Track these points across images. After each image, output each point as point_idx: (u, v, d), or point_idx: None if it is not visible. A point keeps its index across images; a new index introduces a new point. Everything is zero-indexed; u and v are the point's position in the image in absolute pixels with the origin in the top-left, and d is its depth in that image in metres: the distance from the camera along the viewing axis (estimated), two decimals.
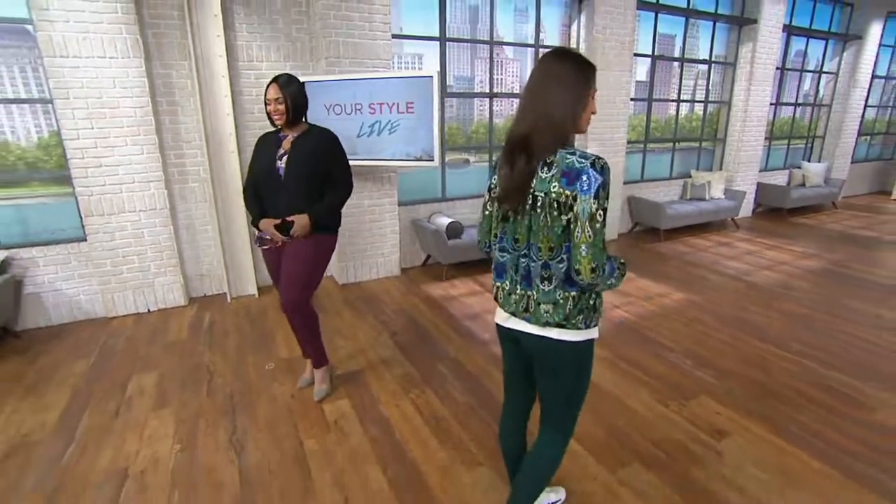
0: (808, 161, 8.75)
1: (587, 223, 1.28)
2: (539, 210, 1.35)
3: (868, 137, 9.79)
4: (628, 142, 6.24)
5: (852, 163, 9.17)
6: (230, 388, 2.96)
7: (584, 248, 1.29)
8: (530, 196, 1.37)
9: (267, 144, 2.54)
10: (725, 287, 4.63)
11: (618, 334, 3.62)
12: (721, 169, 7.51)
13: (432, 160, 3.90)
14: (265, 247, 2.50)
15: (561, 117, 1.34)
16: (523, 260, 1.44)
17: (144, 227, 3.95)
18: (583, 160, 1.30)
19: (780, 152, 8.60)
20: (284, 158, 2.45)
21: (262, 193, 2.53)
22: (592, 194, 1.28)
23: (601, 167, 1.30)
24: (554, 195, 1.32)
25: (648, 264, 5.34)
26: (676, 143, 7.15)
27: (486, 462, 2.30)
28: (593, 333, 1.46)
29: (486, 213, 1.57)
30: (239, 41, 4.04)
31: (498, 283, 1.54)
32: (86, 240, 3.84)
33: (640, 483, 2.17)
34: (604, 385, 2.92)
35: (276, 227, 2.46)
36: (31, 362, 3.32)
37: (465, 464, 2.29)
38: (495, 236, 1.53)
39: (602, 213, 1.29)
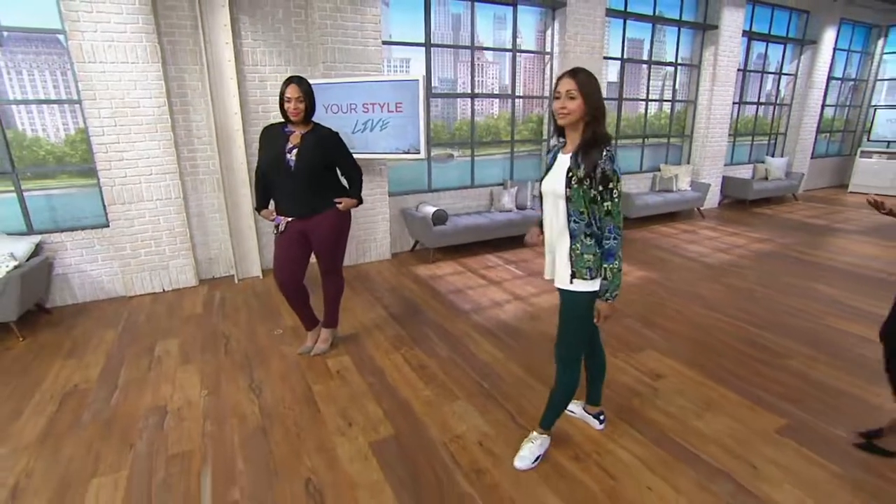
0: (772, 156, 9.37)
1: None
2: None
3: (828, 135, 10.46)
4: None
5: (812, 158, 9.81)
6: (245, 350, 3.44)
7: None
8: None
9: (272, 137, 2.88)
10: (682, 266, 5.19)
11: None
12: (688, 163, 8.09)
13: (419, 153, 4.40)
14: (279, 231, 3.01)
15: None
16: None
17: (160, 215, 4.40)
18: None
19: (746, 148, 9.22)
20: (294, 151, 2.81)
21: (270, 182, 2.95)
22: None
23: None
24: None
25: None
26: (646, 139, 7.72)
27: (463, 397, 2.81)
28: None
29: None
30: (245, 47, 4.50)
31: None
32: (108, 226, 4.28)
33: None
34: None
35: (290, 213, 2.97)
36: (65, 332, 3.76)
37: (445, 398, 2.80)
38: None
39: None
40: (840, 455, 2.31)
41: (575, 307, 2.02)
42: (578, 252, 1.92)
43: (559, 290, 2.05)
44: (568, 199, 1.88)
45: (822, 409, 2.68)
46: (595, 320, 2.00)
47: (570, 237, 1.92)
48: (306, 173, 2.84)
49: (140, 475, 2.24)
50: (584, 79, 1.80)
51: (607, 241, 1.87)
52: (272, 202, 3.05)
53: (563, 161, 1.93)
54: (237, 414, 2.69)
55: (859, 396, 2.80)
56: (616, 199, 1.82)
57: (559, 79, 1.85)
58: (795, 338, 3.52)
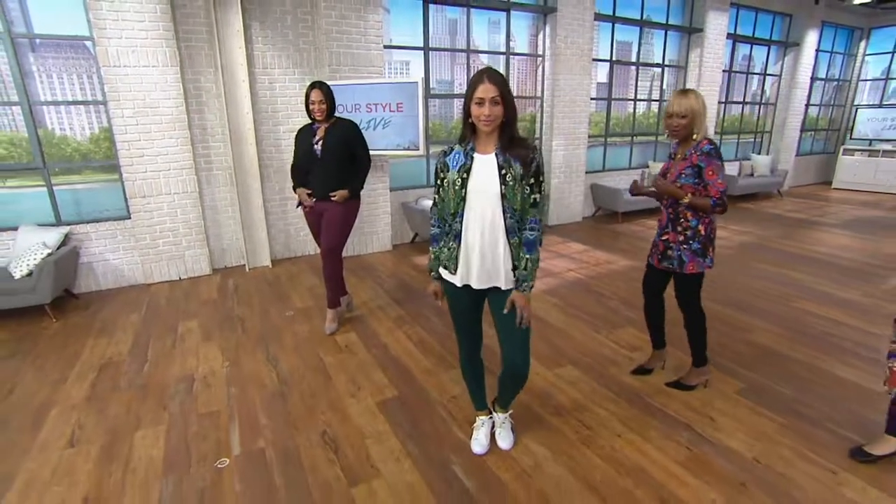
0: (758, 154, 9.73)
1: None
2: None
3: (812, 133, 10.83)
4: (590, 136, 7.15)
5: (797, 156, 10.17)
6: (260, 329, 3.77)
7: None
8: None
9: (304, 135, 3.40)
10: None
11: (568, 289, 4.50)
12: None
13: (418, 149, 4.74)
14: (301, 207, 3.55)
15: None
16: None
17: (178, 208, 4.73)
18: None
19: (733, 146, 9.58)
20: (320, 143, 3.31)
21: (303, 170, 3.42)
22: None
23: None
24: None
25: (604, 240, 6.24)
26: (635, 138, 8.07)
27: (458, 366, 3.07)
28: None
29: None
30: (256, 52, 4.83)
31: None
32: (130, 218, 4.61)
33: (570, 376, 3.02)
34: (551, 321, 3.79)
35: (315, 195, 3.43)
36: (94, 316, 4.09)
37: (443, 367, 3.14)
38: None
39: None
40: (786, 410, 2.65)
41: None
42: (517, 245, 1.94)
43: (501, 292, 2.01)
44: (503, 197, 1.87)
45: (778, 374, 3.02)
46: (505, 311, 1.97)
47: (507, 233, 1.91)
48: (331, 159, 3.32)
49: (177, 429, 2.57)
50: (502, 82, 1.79)
51: (531, 233, 1.92)
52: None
53: (487, 161, 1.89)
54: (257, 381, 3.03)
55: (812, 364, 3.14)
56: (543, 193, 1.93)
57: (477, 83, 1.78)
58: (762, 316, 3.86)
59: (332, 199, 3.36)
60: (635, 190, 2.77)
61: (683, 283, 2.70)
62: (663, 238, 2.66)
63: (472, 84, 1.80)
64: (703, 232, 2.53)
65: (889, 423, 2.20)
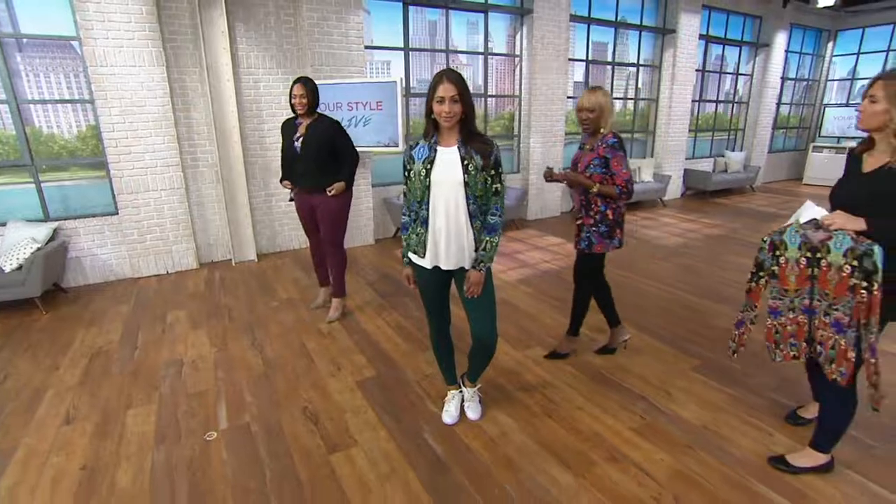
0: (732, 151, 10.05)
1: None
2: None
3: (784, 131, 11.21)
4: (567, 133, 7.38)
5: (769, 153, 10.53)
6: (246, 318, 3.92)
7: None
8: None
9: (287, 129, 3.55)
10: (638, 248, 5.77)
11: (541, 278, 4.72)
12: (651, 156, 8.72)
13: (397, 146, 4.93)
14: (292, 201, 3.74)
15: None
16: None
17: (165, 204, 4.85)
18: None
19: (707, 143, 9.89)
20: (300, 140, 3.45)
21: (288, 163, 3.57)
22: None
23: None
24: None
25: None
26: None
27: (433, 349, 3.33)
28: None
29: None
30: (240, 52, 4.98)
31: None
32: (117, 214, 4.73)
33: (537, 357, 3.23)
34: (522, 307, 4.01)
35: (309, 190, 3.58)
36: (83, 308, 4.21)
37: (419, 349, 3.33)
38: None
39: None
40: (735, 383, 2.88)
41: (490, 277, 2.26)
42: (479, 228, 2.14)
43: (466, 272, 2.18)
44: (466, 185, 2.05)
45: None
46: (466, 289, 2.18)
47: (471, 217, 2.10)
48: (310, 156, 3.46)
49: (167, 407, 2.73)
50: (461, 82, 1.97)
51: (492, 217, 2.13)
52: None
53: (449, 153, 2.07)
54: (243, 365, 3.19)
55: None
56: (503, 182, 2.15)
57: (437, 83, 1.96)
58: (726, 303, 4.10)
59: (329, 192, 3.48)
60: (548, 176, 2.96)
61: (587, 260, 2.99)
62: (578, 222, 2.90)
63: (433, 84, 1.98)
64: (610, 217, 2.78)
65: (813, 392, 2.44)
